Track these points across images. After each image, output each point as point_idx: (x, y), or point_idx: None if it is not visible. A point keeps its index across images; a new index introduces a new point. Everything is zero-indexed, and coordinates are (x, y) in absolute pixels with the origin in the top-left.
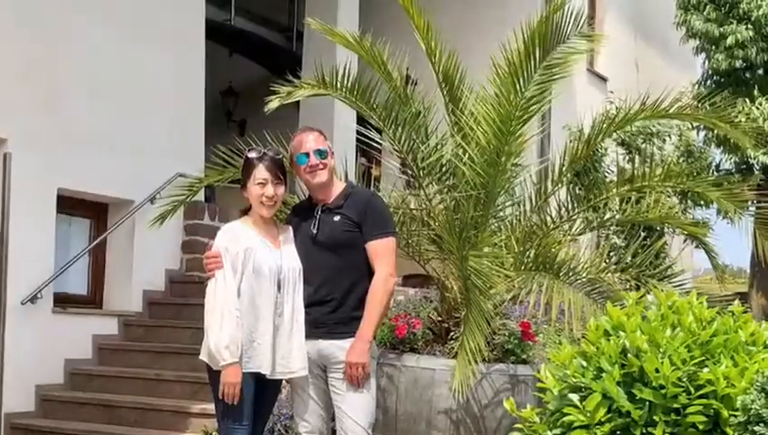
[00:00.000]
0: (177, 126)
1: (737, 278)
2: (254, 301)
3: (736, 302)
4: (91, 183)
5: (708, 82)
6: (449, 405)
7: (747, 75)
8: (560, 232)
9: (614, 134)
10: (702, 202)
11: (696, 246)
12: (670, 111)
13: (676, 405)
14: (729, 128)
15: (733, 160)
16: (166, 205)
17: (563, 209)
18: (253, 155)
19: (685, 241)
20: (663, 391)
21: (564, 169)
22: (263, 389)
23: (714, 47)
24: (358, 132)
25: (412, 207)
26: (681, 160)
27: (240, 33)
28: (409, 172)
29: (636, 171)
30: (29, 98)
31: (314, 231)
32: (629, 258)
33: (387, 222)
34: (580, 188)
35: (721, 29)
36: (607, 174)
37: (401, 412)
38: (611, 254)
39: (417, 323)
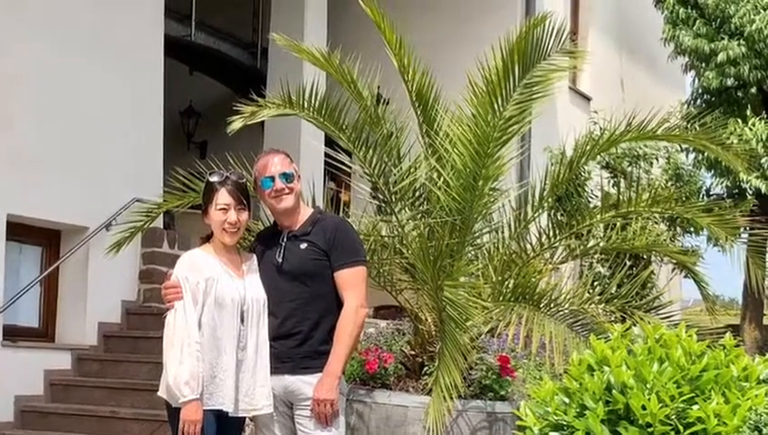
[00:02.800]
0: (134, 148)
1: (729, 309)
2: (215, 333)
3: (728, 334)
4: (43, 209)
5: (698, 101)
6: None
7: (739, 94)
8: (540, 260)
9: (598, 157)
10: (691, 229)
11: (685, 276)
12: (658, 133)
13: None
14: (720, 150)
15: (724, 185)
16: (122, 232)
17: (544, 236)
18: (214, 179)
19: (673, 270)
20: (650, 430)
21: (545, 193)
22: (225, 427)
23: (704, 64)
24: (326, 155)
25: (384, 234)
26: (669, 185)
27: (201, 49)
28: (381, 197)
29: (621, 196)
30: None
31: (280, 260)
32: (614, 288)
33: (357, 250)
34: (562, 214)
35: (711, 45)
36: (590, 199)
37: None
38: (595, 284)
39: (388, 357)
